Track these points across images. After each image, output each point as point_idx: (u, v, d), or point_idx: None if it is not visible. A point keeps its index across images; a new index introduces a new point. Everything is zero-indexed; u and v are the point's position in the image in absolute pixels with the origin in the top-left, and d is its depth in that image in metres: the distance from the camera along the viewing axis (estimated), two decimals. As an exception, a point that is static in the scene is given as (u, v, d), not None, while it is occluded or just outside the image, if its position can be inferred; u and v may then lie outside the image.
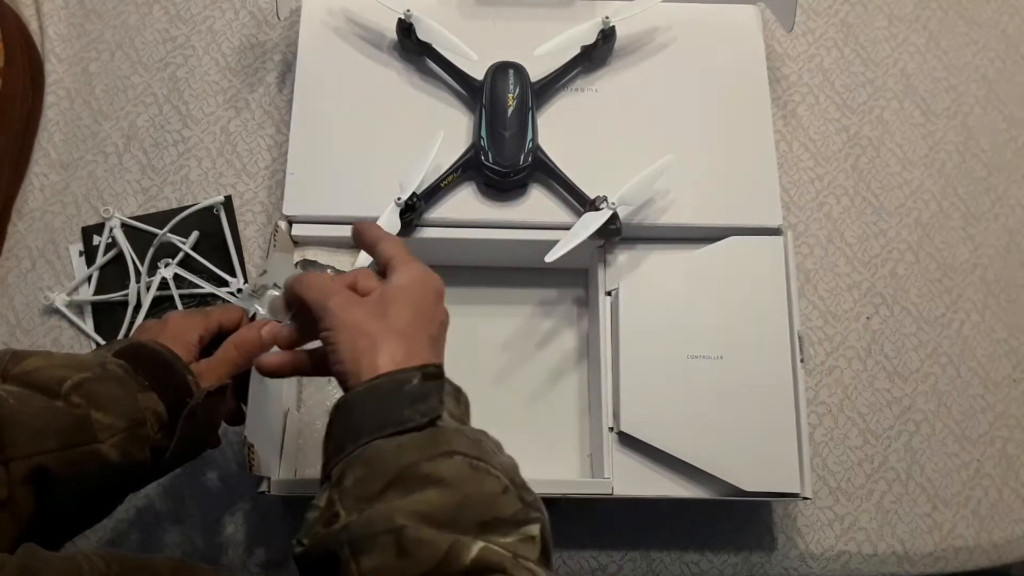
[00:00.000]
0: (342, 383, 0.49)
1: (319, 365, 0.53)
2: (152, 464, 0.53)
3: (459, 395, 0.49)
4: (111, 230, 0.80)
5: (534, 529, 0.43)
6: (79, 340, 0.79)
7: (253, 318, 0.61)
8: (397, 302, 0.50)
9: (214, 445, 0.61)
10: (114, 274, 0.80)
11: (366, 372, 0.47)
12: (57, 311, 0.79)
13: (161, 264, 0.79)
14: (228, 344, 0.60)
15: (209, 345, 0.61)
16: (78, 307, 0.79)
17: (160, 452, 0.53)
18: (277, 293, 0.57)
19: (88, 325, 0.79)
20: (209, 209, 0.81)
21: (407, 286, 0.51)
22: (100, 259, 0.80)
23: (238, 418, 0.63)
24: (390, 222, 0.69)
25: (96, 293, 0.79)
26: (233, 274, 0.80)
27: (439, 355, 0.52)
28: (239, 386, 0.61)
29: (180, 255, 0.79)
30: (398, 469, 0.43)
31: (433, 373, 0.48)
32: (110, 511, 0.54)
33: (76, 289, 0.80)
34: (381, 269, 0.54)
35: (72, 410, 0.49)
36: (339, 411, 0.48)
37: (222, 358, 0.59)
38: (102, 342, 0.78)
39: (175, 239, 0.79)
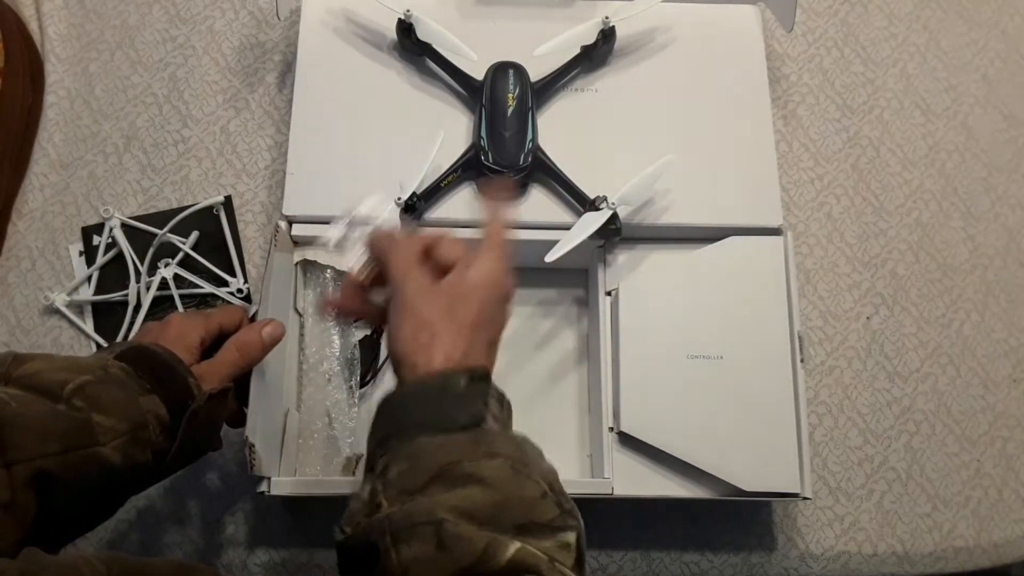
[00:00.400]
0: (394, 364, 0.50)
1: (384, 318, 0.53)
2: (154, 467, 0.53)
3: (503, 400, 0.50)
4: (111, 230, 0.80)
5: (570, 536, 0.44)
6: (79, 340, 0.79)
7: (253, 319, 0.61)
8: (467, 300, 0.50)
9: (216, 448, 0.61)
10: (114, 274, 0.80)
11: (421, 366, 0.48)
12: (57, 311, 0.79)
13: (161, 264, 0.79)
14: (229, 345, 0.60)
15: (210, 347, 0.61)
16: (78, 307, 0.79)
17: (162, 455, 0.53)
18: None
19: (88, 325, 0.79)
20: (209, 209, 0.80)
21: (480, 285, 0.51)
22: (100, 259, 0.80)
23: (239, 420, 0.63)
24: (390, 222, 0.69)
25: (96, 293, 0.79)
26: (233, 274, 0.80)
27: (492, 358, 0.52)
28: (240, 388, 0.61)
29: (180, 255, 0.79)
30: (441, 466, 0.44)
31: (480, 376, 0.49)
32: (112, 513, 0.54)
33: (76, 289, 0.80)
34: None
35: (74, 413, 0.49)
36: (386, 405, 0.49)
37: (223, 360, 0.59)
38: (102, 342, 0.78)
39: (175, 239, 0.79)
